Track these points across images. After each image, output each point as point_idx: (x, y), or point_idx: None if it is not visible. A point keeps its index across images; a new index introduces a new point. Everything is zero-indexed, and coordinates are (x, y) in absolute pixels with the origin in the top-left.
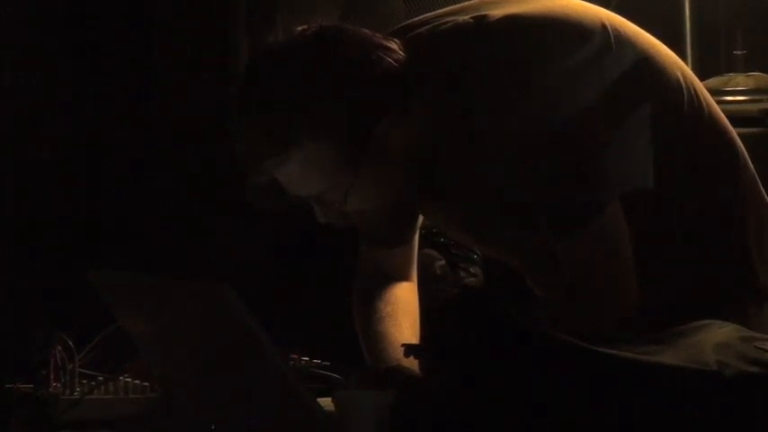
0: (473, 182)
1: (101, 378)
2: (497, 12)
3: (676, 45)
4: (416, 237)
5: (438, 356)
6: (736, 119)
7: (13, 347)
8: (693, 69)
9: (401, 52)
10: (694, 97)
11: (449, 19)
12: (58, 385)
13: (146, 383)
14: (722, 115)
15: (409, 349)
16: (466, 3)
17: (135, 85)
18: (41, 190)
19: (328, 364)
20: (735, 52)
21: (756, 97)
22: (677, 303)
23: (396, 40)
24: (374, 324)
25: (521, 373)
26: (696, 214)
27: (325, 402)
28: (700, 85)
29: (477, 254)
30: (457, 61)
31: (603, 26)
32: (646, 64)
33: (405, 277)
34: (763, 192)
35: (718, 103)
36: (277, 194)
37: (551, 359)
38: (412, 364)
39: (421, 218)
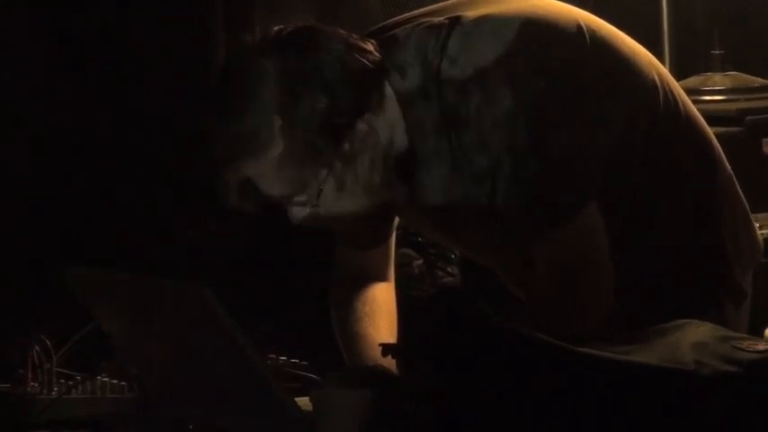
0: (449, 182)
1: (78, 377)
2: (472, 12)
3: (654, 45)
4: (394, 237)
5: (415, 356)
6: (714, 118)
7: None
8: (671, 69)
9: (377, 53)
10: (670, 97)
11: (424, 20)
12: (36, 385)
13: (123, 383)
14: (699, 115)
15: (387, 349)
16: (441, 4)
17: (112, 85)
18: (15, 189)
19: (306, 363)
20: (712, 52)
21: (733, 97)
22: (654, 303)
23: (372, 40)
24: (352, 324)
25: (498, 372)
26: (672, 214)
27: (303, 402)
28: (676, 85)
29: (454, 253)
30: (432, 62)
31: (579, 27)
32: (621, 64)
33: (382, 277)
34: (740, 191)
35: (696, 102)
36: (250, 194)
37: (529, 358)
38: (390, 363)
39: (398, 218)
